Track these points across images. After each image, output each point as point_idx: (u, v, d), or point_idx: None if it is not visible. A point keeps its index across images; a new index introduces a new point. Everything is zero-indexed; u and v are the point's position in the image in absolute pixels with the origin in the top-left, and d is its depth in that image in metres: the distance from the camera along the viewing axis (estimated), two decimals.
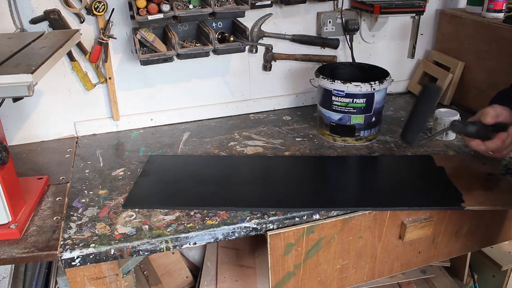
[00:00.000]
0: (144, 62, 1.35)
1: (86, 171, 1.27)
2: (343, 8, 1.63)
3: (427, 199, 1.12)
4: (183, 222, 1.03)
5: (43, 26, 1.33)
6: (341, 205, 1.08)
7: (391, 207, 1.09)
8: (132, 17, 1.39)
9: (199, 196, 1.12)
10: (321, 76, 1.38)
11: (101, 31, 1.36)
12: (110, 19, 1.36)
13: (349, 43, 1.68)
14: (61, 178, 1.22)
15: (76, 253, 0.94)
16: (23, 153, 1.38)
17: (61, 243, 0.96)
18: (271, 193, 1.14)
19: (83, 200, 1.12)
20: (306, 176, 1.22)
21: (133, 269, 1.09)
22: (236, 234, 1.03)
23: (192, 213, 1.06)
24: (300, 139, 1.45)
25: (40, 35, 1.13)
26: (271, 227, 1.04)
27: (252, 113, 1.68)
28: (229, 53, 1.45)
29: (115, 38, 1.41)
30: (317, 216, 1.07)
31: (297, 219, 1.05)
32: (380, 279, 1.48)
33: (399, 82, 1.83)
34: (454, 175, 1.20)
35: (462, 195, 1.11)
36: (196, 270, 1.70)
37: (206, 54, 1.40)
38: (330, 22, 1.62)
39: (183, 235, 0.99)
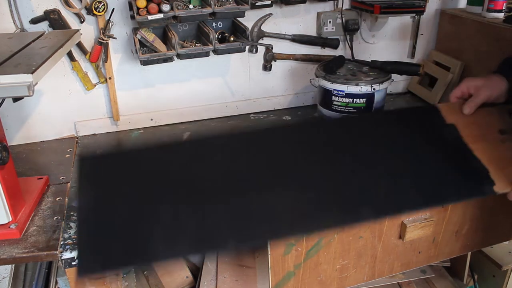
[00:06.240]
0: (144, 62, 1.35)
1: None
2: (343, 8, 1.63)
3: (447, 190, 0.79)
4: None
5: (43, 26, 1.33)
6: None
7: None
8: (132, 17, 1.39)
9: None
10: (321, 75, 1.38)
11: (101, 31, 1.36)
12: (110, 19, 1.36)
13: (349, 43, 1.68)
14: (61, 178, 1.22)
15: (76, 253, 0.94)
16: (23, 153, 1.38)
17: (61, 243, 0.96)
18: None
19: None
20: None
21: (133, 269, 1.08)
22: None
23: None
24: None
25: (40, 35, 1.13)
26: None
27: (252, 113, 1.68)
28: (229, 53, 1.45)
29: (115, 38, 1.40)
30: None
31: None
32: (380, 279, 1.48)
33: (399, 82, 1.83)
34: (470, 136, 0.84)
35: (489, 171, 0.79)
36: (196, 270, 1.70)
37: (206, 54, 1.39)
38: (330, 22, 1.62)
39: None
